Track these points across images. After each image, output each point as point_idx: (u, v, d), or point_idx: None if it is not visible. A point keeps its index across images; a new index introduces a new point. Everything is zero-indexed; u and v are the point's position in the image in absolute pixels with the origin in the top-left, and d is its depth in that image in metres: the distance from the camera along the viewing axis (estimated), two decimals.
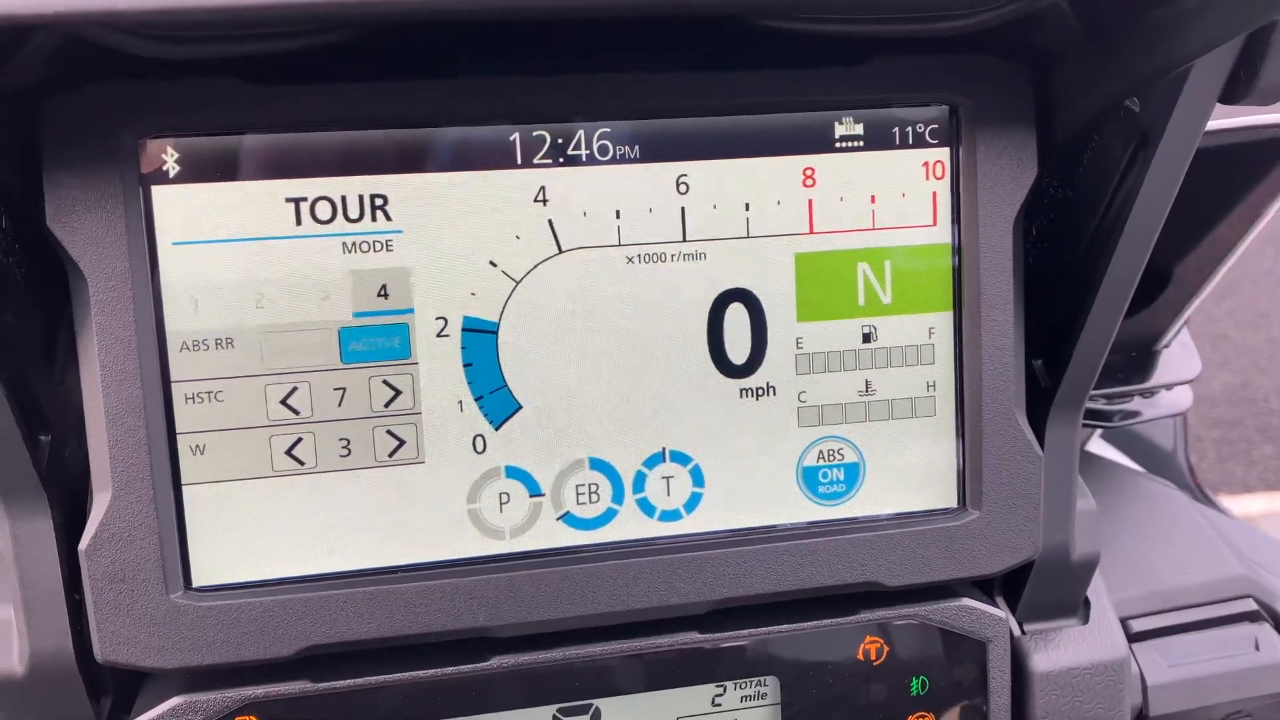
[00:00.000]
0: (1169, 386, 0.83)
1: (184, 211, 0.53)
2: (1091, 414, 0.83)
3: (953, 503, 0.62)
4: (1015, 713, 0.65)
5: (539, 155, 0.56)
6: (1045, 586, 0.65)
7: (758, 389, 0.60)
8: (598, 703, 0.59)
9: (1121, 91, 0.57)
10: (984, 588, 0.66)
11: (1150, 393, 0.84)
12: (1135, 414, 0.85)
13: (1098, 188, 0.60)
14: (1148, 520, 0.79)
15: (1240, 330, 4.43)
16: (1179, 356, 0.84)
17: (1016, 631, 0.65)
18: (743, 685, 0.61)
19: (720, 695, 0.61)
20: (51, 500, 0.53)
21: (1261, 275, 4.84)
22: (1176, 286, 0.78)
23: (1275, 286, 4.76)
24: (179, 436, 0.54)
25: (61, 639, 0.54)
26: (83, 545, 0.53)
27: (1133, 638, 0.69)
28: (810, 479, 0.61)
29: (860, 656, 0.62)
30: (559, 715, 0.59)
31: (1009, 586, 0.66)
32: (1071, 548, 0.64)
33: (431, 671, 0.57)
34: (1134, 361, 0.84)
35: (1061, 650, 0.66)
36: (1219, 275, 0.77)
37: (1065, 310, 0.62)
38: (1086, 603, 0.67)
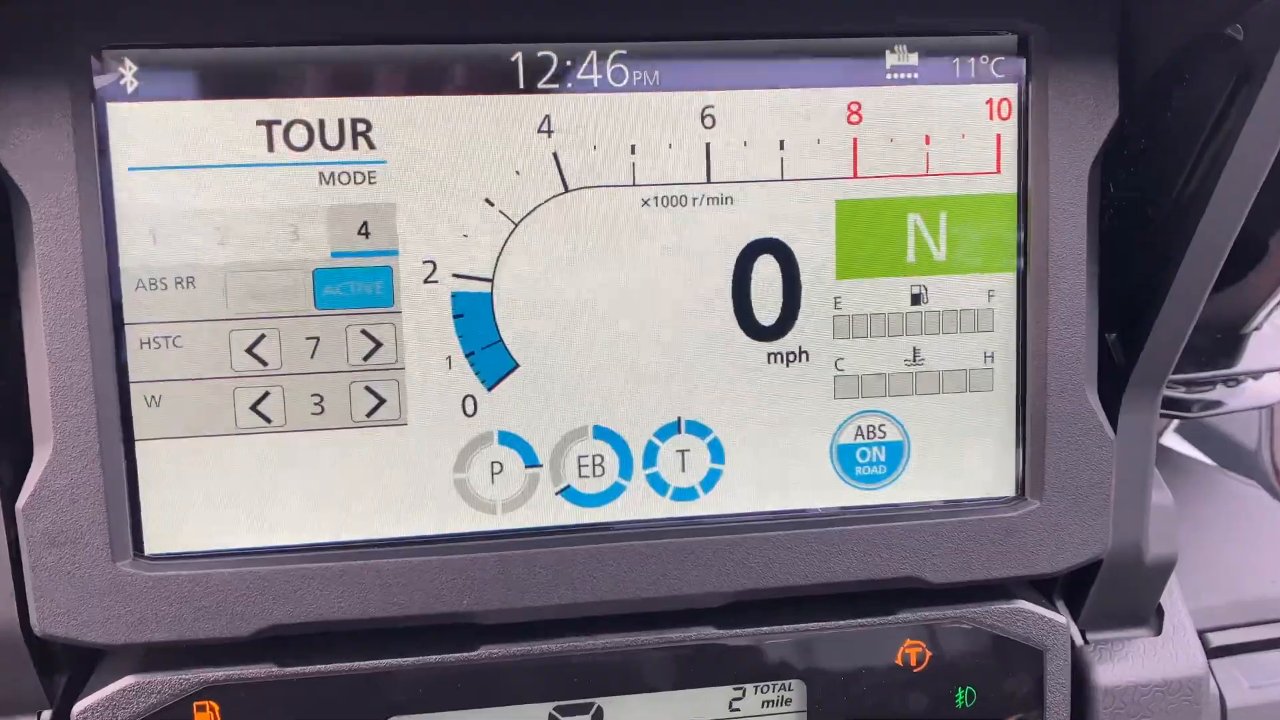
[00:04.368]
0: (1257, 374, 0.78)
1: (142, 133, 0.50)
2: (1167, 402, 0.77)
3: (1010, 491, 0.59)
4: None
5: (544, 79, 0.52)
6: (1113, 591, 0.61)
7: (789, 354, 0.56)
8: (599, 702, 0.56)
9: (1221, 15, 0.52)
10: (1042, 589, 0.63)
11: (1235, 380, 0.79)
12: (1217, 404, 0.80)
13: (1189, 133, 0.55)
14: (1230, 522, 0.76)
15: None
16: (1271, 341, 0.79)
17: (1078, 641, 0.62)
18: (764, 689, 0.58)
19: (739, 699, 0.58)
20: None
21: None
22: (1273, 260, 0.72)
23: None
24: (132, 386, 0.51)
25: (5, 609, 0.52)
26: (20, 503, 0.50)
27: (1211, 653, 0.66)
28: (847, 458, 0.58)
29: (899, 662, 0.58)
30: (556, 714, 0.56)
31: (1071, 590, 0.63)
32: (1145, 547, 0.60)
33: (411, 660, 0.54)
34: (1218, 344, 0.78)
35: (1130, 663, 0.62)
36: None
37: (1146, 277, 0.58)
38: (1159, 611, 0.64)
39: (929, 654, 0.58)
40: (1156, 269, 0.57)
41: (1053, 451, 0.57)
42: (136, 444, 0.52)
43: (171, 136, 0.50)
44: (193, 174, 0.50)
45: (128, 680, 0.52)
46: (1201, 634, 0.65)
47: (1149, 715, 0.61)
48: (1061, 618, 0.59)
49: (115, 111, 0.50)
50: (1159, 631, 0.63)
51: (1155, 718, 0.61)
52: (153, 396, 0.52)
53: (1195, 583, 0.68)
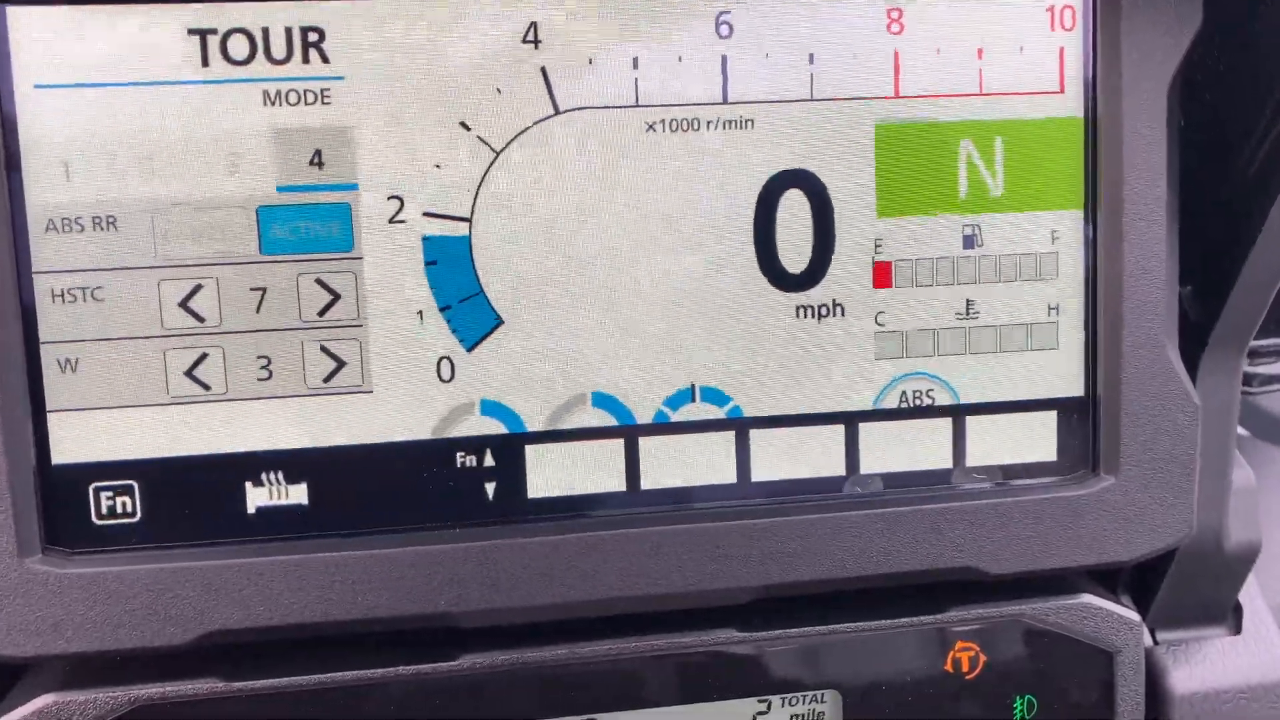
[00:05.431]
0: None
1: (51, 43, 0.47)
2: None
3: (1080, 465, 0.56)
4: None
5: None
6: (1188, 583, 0.59)
7: (820, 307, 0.54)
8: (600, 719, 0.54)
9: None
10: (1104, 582, 0.60)
11: None
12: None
13: (1278, 51, 0.53)
14: None
15: None
16: None
17: (1148, 641, 0.60)
18: (793, 701, 0.55)
19: (764, 713, 0.55)
20: None
21: None
22: None
23: None
24: (42, 347, 0.48)
25: None
26: None
27: None
28: None
29: (949, 667, 0.56)
30: None
31: (1137, 582, 0.61)
32: (1226, 533, 0.58)
33: (380, 671, 0.51)
34: None
35: (1208, 666, 0.60)
36: None
37: (1228, 220, 0.55)
38: (1237, 608, 0.61)
39: (983, 658, 0.56)
40: (1242, 210, 0.54)
41: (1129, 419, 0.54)
42: (48, 416, 0.49)
43: (86, 48, 0.47)
44: (112, 93, 0.47)
45: (44, 700, 0.49)
46: None
47: None
48: (1135, 615, 0.57)
49: (16, 17, 0.46)
50: (1238, 630, 0.61)
51: None
52: (67, 360, 0.49)
53: (1271, 575, 0.65)
